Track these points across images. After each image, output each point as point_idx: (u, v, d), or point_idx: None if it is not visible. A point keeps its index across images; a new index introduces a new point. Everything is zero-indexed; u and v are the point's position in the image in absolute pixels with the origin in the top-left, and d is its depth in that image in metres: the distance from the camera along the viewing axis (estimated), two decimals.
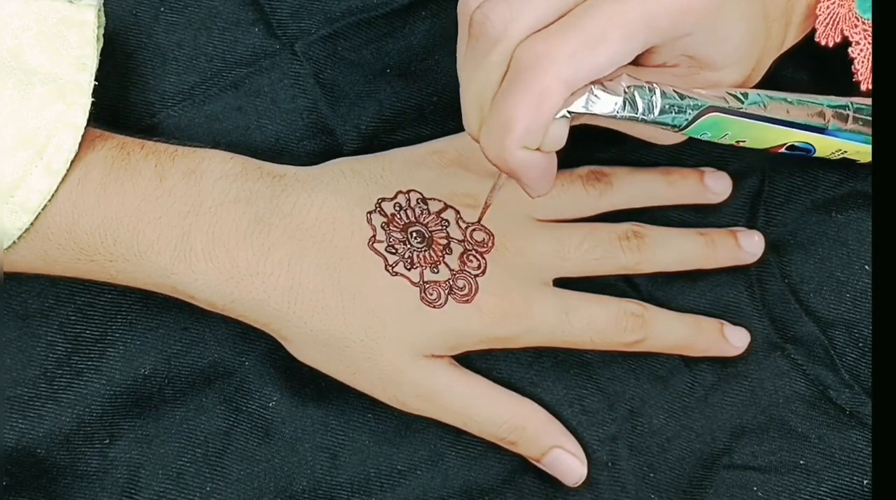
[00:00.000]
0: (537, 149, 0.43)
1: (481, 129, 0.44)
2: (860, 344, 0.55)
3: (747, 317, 0.55)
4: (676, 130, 0.46)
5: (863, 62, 0.52)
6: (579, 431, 0.53)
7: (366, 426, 0.53)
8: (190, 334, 0.53)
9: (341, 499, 0.52)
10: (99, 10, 0.51)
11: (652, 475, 0.53)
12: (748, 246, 0.55)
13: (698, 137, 0.47)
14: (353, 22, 0.56)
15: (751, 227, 0.56)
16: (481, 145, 0.44)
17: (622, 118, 0.44)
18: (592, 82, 0.43)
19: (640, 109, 0.44)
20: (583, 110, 0.43)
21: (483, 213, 0.51)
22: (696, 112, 0.45)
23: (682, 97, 0.45)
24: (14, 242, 0.48)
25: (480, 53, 0.43)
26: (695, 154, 0.57)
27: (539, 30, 0.42)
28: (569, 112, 0.43)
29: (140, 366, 0.53)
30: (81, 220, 0.48)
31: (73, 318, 0.53)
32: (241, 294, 0.49)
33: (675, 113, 0.45)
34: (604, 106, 0.43)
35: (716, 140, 0.47)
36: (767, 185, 0.56)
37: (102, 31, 0.51)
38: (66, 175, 0.47)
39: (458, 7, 0.44)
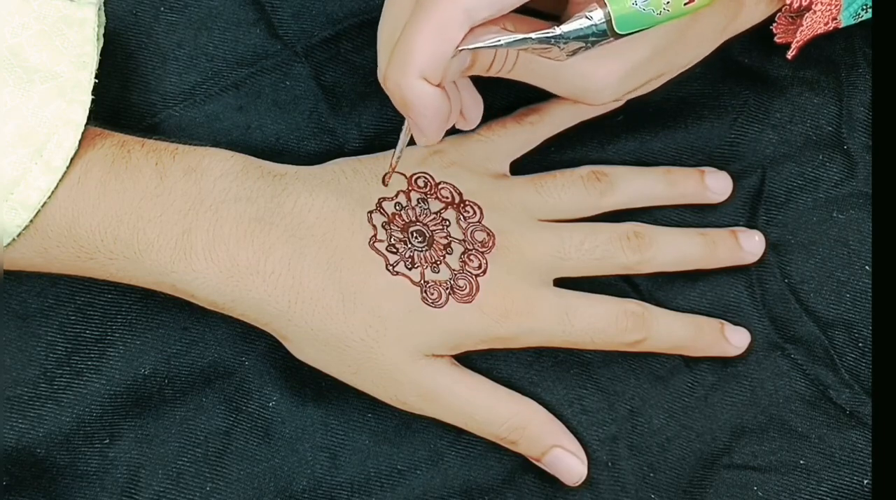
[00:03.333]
0: (438, 85, 0.43)
1: (388, 65, 0.44)
2: (860, 344, 0.55)
3: (747, 317, 0.55)
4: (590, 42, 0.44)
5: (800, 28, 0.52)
6: (579, 431, 0.53)
7: (366, 426, 0.53)
8: (190, 333, 0.53)
9: (341, 499, 0.52)
10: (99, 9, 0.51)
11: (652, 474, 0.53)
12: (748, 246, 0.55)
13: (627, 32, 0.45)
14: (355, 23, 0.56)
15: (751, 227, 0.56)
16: (384, 79, 0.44)
17: (528, 43, 0.44)
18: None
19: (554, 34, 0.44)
20: (484, 45, 0.43)
21: (391, 171, 0.51)
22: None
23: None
24: (14, 240, 0.48)
25: None
26: (695, 154, 0.57)
27: None
28: (470, 48, 0.43)
29: (140, 366, 0.53)
30: (81, 218, 0.48)
31: (73, 318, 0.53)
32: (242, 293, 0.49)
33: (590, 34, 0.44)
34: (503, 39, 0.43)
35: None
36: (767, 185, 0.56)
37: (103, 30, 0.51)
38: (66, 173, 0.47)
39: None
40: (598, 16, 0.43)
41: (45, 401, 0.52)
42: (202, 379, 0.53)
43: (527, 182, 0.54)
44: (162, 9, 0.55)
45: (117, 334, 0.53)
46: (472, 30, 0.43)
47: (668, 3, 0.43)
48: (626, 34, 0.43)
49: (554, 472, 0.53)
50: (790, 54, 0.53)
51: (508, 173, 0.55)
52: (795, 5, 0.51)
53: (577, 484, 0.53)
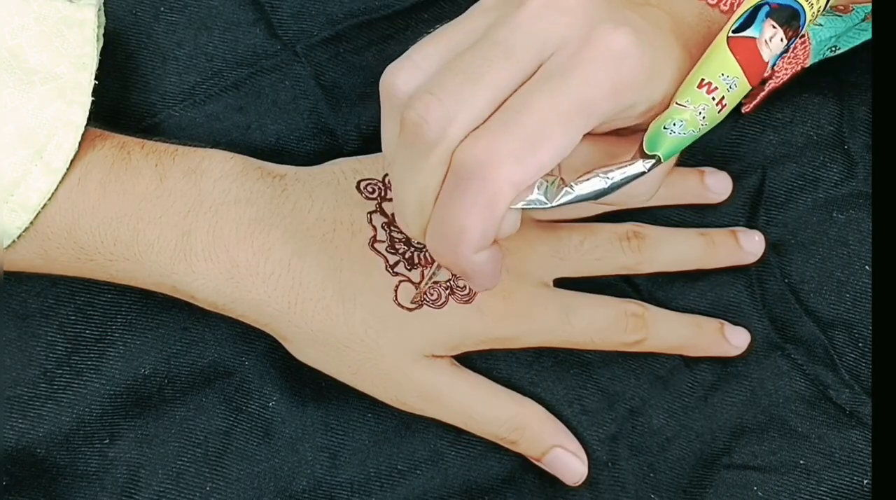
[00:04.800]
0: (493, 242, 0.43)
1: (427, 232, 0.43)
2: (860, 344, 0.55)
3: (747, 317, 0.55)
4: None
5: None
6: (579, 430, 0.53)
7: (366, 426, 0.53)
8: (190, 333, 0.53)
9: (341, 499, 0.52)
10: (99, 10, 0.51)
11: (652, 474, 0.53)
12: (748, 246, 0.55)
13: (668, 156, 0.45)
14: (354, 24, 0.56)
15: (751, 227, 0.56)
16: (431, 251, 0.43)
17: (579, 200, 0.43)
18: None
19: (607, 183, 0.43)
20: (531, 207, 0.42)
21: (419, 295, 0.50)
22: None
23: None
24: (14, 241, 0.48)
25: (418, 156, 0.41)
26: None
27: (476, 127, 0.40)
28: (518, 208, 0.42)
29: (140, 366, 0.53)
30: (81, 219, 0.48)
31: (73, 318, 0.53)
32: (242, 294, 0.49)
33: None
34: (552, 201, 0.42)
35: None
36: (767, 185, 0.56)
37: (102, 30, 0.51)
38: (66, 174, 0.47)
39: (382, 87, 0.42)
40: (643, 164, 0.43)
41: (45, 401, 0.52)
42: (202, 379, 0.53)
43: None
44: (162, 9, 0.55)
45: (117, 334, 0.53)
46: None
47: (703, 117, 0.42)
48: (673, 156, 0.43)
49: (554, 472, 0.53)
50: (745, 109, 0.54)
51: None
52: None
53: (577, 484, 0.53)
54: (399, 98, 0.42)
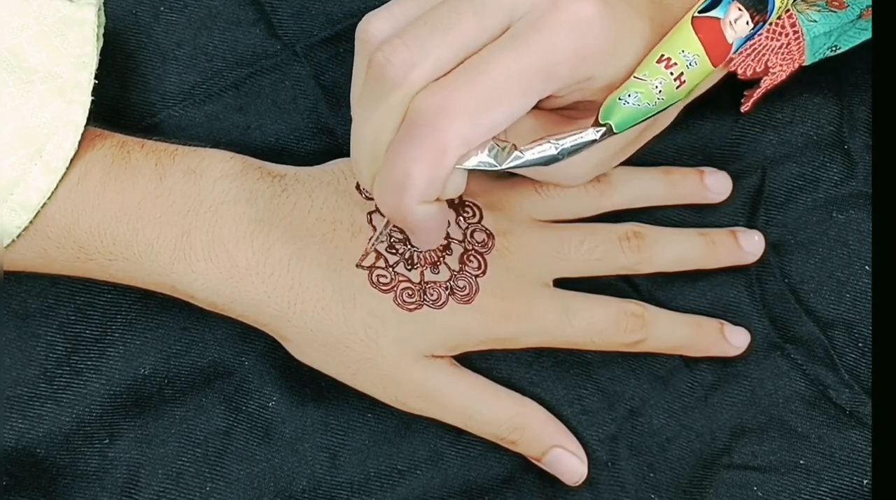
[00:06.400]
0: (436, 200, 0.43)
1: (374, 181, 0.43)
2: (860, 344, 0.55)
3: (747, 317, 0.55)
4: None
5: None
6: (579, 430, 0.53)
7: (366, 426, 0.53)
8: (190, 333, 0.53)
9: (341, 499, 0.52)
10: (99, 10, 0.51)
11: (652, 474, 0.53)
12: (748, 246, 0.55)
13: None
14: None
15: (751, 227, 0.56)
16: (376, 199, 0.43)
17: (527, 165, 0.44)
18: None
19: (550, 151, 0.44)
20: (480, 167, 0.43)
21: (364, 256, 0.50)
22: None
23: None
24: (13, 241, 0.48)
25: (378, 96, 0.42)
26: (695, 154, 0.57)
27: (438, 78, 0.41)
28: (465, 168, 0.43)
29: (140, 366, 0.53)
30: (81, 218, 0.48)
31: (72, 318, 0.53)
32: (241, 294, 0.49)
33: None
34: (501, 163, 0.43)
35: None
36: (767, 185, 0.56)
37: (102, 30, 0.51)
38: (65, 174, 0.47)
39: (357, 33, 0.43)
40: (594, 132, 0.43)
41: (45, 401, 0.52)
42: (202, 379, 0.53)
43: (526, 183, 0.54)
44: (162, 9, 0.55)
45: (117, 334, 0.53)
46: None
47: (660, 91, 0.43)
48: (626, 129, 0.44)
49: (554, 472, 0.53)
50: (744, 108, 0.55)
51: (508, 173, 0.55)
52: (749, 73, 0.52)
53: (577, 484, 0.53)
54: (371, 43, 0.42)
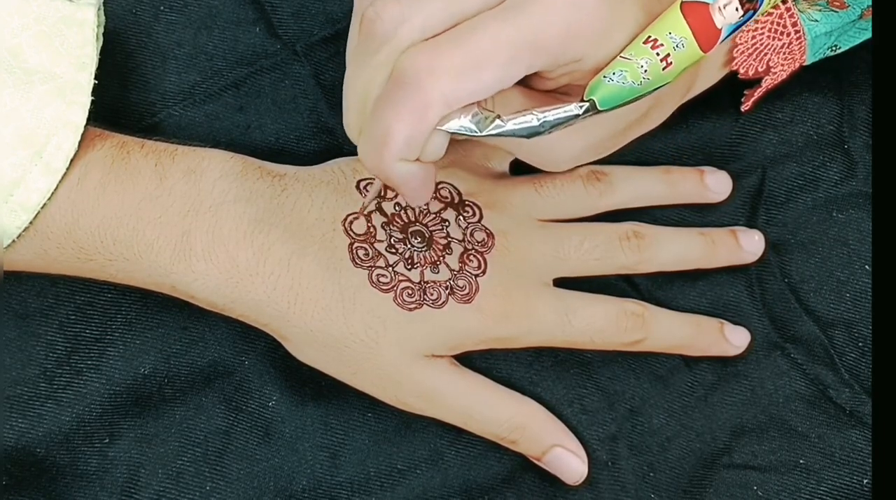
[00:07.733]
0: (416, 159, 0.43)
1: (360, 135, 0.44)
2: (860, 344, 0.55)
3: (747, 317, 0.55)
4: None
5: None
6: (579, 430, 0.53)
7: (366, 426, 0.53)
8: (189, 333, 0.53)
9: (341, 499, 0.52)
10: (99, 9, 0.51)
11: (652, 474, 0.53)
12: (748, 245, 0.55)
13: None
14: None
15: (751, 226, 0.56)
16: (359, 153, 0.44)
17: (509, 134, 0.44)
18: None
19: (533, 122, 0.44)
20: (461, 131, 0.43)
21: (360, 213, 0.51)
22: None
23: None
24: (13, 241, 0.48)
25: (368, 51, 0.42)
26: (695, 153, 0.57)
27: (427, 38, 0.42)
28: (446, 131, 0.43)
29: (140, 365, 0.53)
30: (81, 219, 0.48)
31: (72, 317, 0.53)
32: (241, 294, 0.49)
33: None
34: (483, 130, 0.43)
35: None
36: (767, 184, 0.56)
37: (102, 30, 0.51)
38: (65, 174, 0.47)
39: None
40: (577, 107, 0.43)
41: (45, 400, 0.52)
42: (202, 379, 0.53)
43: (526, 182, 0.54)
44: (161, 8, 0.55)
45: (117, 334, 0.53)
46: None
47: (645, 71, 0.43)
48: (611, 109, 0.44)
49: (554, 471, 0.53)
50: (744, 108, 0.55)
51: (508, 173, 0.55)
52: (751, 73, 0.52)
53: (577, 484, 0.53)
54: (368, 1, 0.43)
